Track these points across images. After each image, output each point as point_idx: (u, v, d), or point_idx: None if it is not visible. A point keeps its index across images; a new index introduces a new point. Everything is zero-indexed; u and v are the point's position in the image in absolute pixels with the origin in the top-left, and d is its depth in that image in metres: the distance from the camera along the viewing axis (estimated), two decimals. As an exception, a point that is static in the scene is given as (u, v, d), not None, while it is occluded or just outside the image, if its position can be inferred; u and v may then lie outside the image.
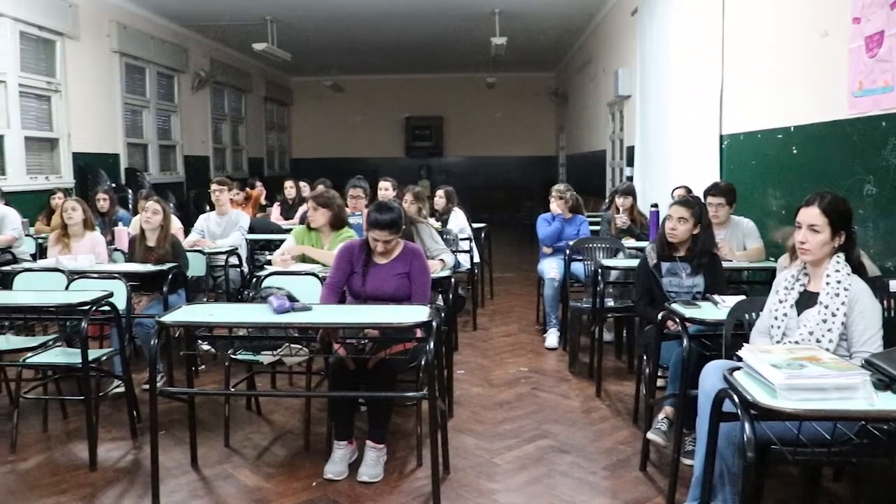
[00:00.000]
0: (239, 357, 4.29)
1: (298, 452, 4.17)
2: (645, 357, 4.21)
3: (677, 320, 3.62)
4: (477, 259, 7.66)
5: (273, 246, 6.48)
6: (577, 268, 6.24)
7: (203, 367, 5.65)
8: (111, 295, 4.23)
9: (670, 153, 7.79)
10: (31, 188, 8.83)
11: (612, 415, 4.72)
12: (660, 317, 3.80)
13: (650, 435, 3.81)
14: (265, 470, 3.96)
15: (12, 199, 7.59)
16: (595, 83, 12.90)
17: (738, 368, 2.56)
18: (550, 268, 6.41)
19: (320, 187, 8.05)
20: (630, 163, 9.55)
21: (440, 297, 4.87)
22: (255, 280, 4.68)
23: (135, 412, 4.48)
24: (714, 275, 4.24)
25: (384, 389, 3.80)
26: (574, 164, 16.24)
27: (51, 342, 4.73)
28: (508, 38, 11.96)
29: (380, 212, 4.04)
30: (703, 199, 4.91)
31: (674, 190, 6.42)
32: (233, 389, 4.47)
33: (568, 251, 6.16)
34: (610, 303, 5.51)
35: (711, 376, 2.90)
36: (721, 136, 6.46)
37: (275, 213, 9.02)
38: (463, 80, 18.79)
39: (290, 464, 4.03)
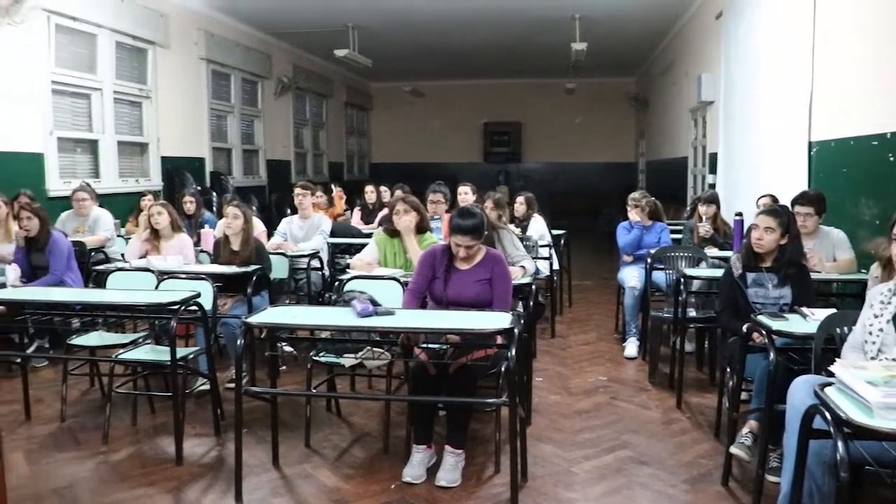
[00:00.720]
0: (320, 359, 4.36)
1: (377, 455, 4.21)
2: (728, 369, 4.12)
3: (764, 333, 3.53)
4: (556, 266, 7.62)
5: (353, 250, 6.56)
6: (659, 276, 6.16)
7: (284, 367, 5.75)
8: (199, 295, 4.36)
9: (756, 160, 7.61)
10: (122, 190, 9.16)
11: (692, 427, 4.63)
12: (745, 328, 3.71)
13: (733, 449, 3.73)
14: (344, 471, 4.01)
15: (105, 201, 7.86)
16: (677, 88, 12.71)
17: (830, 384, 2.48)
18: (631, 276, 6.33)
19: (398, 192, 8.13)
20: (713, 170, 9.38)
21: (520, 303, 4.86)
22: (337, 283, 4.74)
23: (219, 410, 4.60)
24: (802, 286, 4.12)
25: (464, 395, 3.80)
26: (654, 170, 16.02)
27: (140, 339, 4.89)
28: (589, 43, 11.88)
29: (462, 217, 4.04)
30: (790, 209, 4.79)
31: (759, 198, 6.26)
32: (314, 391, 4.54)
33: (649, 259, 6.08)
34: (692, 313, 5.42)
35: (801, 391, 2.82)
36: (810, 143, 6.27)
37: (355, 218, 9.12)
38: (542, 85, 18.72)
39: (368, 466, 4.08)
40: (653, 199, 6.77)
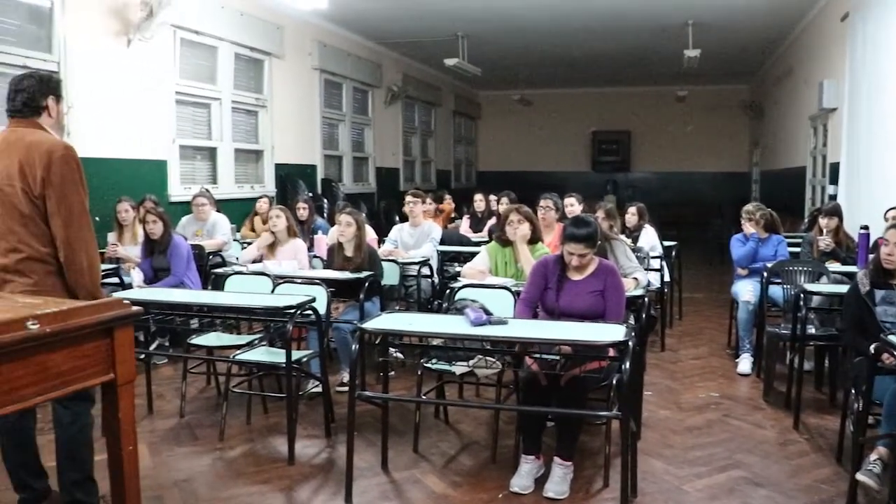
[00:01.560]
0: (431, 366, 4.40)
1: (485, 463, 4.21)
2: (854, 391, 3.95)
3: (895, 353, 3.37)
4: (667, 278, 7.48)
5: (462, 258, 6.59)
6: (775, 291, 5.95)
7: (392, 373, 5.82)
8: (314, 300, 4.45)
9: (884, 171, 7.25)
10: (238, 196, 9.46)
11: (811, 450, 4.44)
12: (873, 349, 3.55)
13: (860, 476, 3.54)
14: (452, 478, 4.02)
15: (222, 206, 8.14)
16: (795, 95, 12.29)
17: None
18: (745, 290, 6.15)
19: (505, 199, 8.14)
20: (834, 180, 9.01)
21: (632, 315, 4.79)
22: (448, 291, 4.78)
23: (330, 412, 4.69)
24: (937, 305, 3.92)
25: (575, 406, 3.77)
26: (769, 180, 15.53)
27: (256, 341, 5.03)
28: (702, 49, 11.62)
29: (576, 226, 4.04)
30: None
31: (888, 211, 6.02)
32: (424, 397, 4.58)
33: (765, 273, 5.89)
34: (811, 330, 5.21)
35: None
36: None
37: (464, 226, 9.17)
38: (652, 93, 18.44)
39: (476, 474, 4.08)
40: (768, 210, 6.56)
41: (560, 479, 3.78)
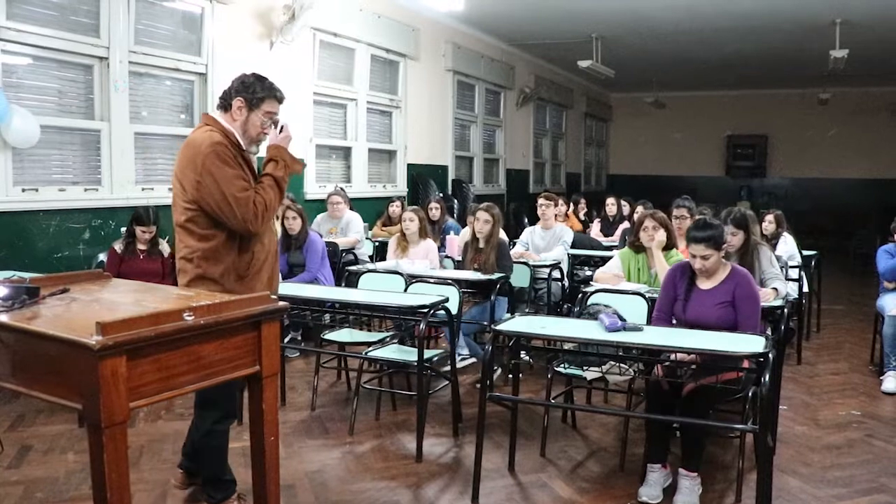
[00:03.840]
0: (562, 370, 4.38)
1: (613, 470, 4.17)
2: None
3: None
4: (805, 289, 7.19)
5: (593, 262, 6.52)
6: (926, 306, 5.65)
7: (520, 375, 5.82)
8: (447, 300, 4.51)
9: None
10: (370, 195, 9.66)
11: (964, 475, 4.20)
12: None
13: None
14: (579, 484, 4.00)
15: (356, 204, 8.33)
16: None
17: None
18: (893, 304, 5.84)
19: (640, 207, 7.99)
20: None
21: (769, 327, 4.63)
22: (580, 295, 4.74)
23: (458, 412, 4.73)
24: None
25: (698, 416, 3.68)
26: (920, 188, 14.67)
27: (388, 339, 5.13)
28: (850, 49, 11.08)
29: (698, 228, 4.01)
30: None
31: None
32: (553, 401, 4.56)
33: (916, 287, 5.58)
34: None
35: None
36: None
37: (595, 230, 9.09)
38: (792, 96, 17.70)
39: (604, 481, 4.05)
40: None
41: (688, 490, 3.70)
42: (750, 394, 3.76)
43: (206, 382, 2.27)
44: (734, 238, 4.79)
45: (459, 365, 5.48)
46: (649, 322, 4.25)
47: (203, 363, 2.21)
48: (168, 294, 2.65)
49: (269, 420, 2.44)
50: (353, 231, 7.49)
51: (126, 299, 2.65)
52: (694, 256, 3.99)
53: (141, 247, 5.67)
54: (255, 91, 3.34)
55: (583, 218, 10.43)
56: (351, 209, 7.83)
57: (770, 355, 3.26)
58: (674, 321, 4.10)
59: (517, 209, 12.90)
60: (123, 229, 5.84)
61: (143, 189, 6.54)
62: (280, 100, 3.46)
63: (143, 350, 2.06)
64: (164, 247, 5.77)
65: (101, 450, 1.97)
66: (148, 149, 6.70)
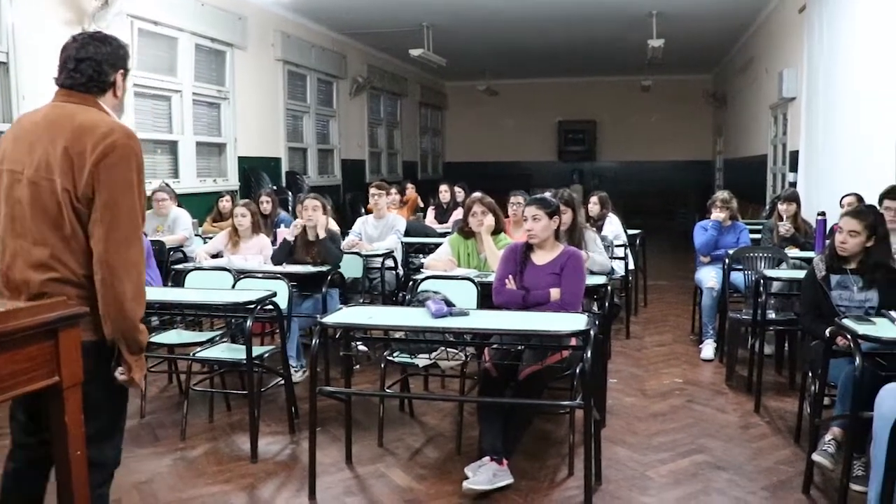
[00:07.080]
0: (394, 359, 4.38)
1: (450, 456, 4.20)
2: (810, 374, 4.00)
3: (848, 337, 3.41)
4: (631, 266, 7.51)
5: (427, 249, 6.56)
6: (737, 277, 6.01)
7: (357, 367, 5.79)
8: (275, 295, 4.41)
9: (840, 158, 7.34)
10: (200, 190, 9.33)
11: (771, 432, 4.51)
12: (828, 332, 3.59)
13: (816, 456, 3.60)
14: (417, 471, 4.01)
15: (183, 200, 8.03)
16: (756, 85, 12.38)
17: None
18: (709, 277, 6.20)
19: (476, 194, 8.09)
20: (794, 168, 9.10)
21: (595, 304, 4.80)
22: (411, 283, 4.75)
23: (293, 408, 4.65)
24: (890, 290, 3.95)
25: (532, 398, 3.76)
26: (732, 168, 15.65)
27: (217, 338, 4.97)
28: (666, 39, 11.67)
29: (535, 197, 4.31)
30: (878, 206, 4.62)
31: (843, 198, 6.07)
32: (387, 391, 4.55)
33: (727, 260, 5.93)
34: (771, 315, 5.27)
35: (889, 399, 2.72)
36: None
37: (429, 217, 9.14)
38: (617, 83, 18.49)
39: (441, 466, 4.08)
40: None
41: (485, 470, 3.63)
42: (577, 370, 3.87)
43: (-3, 399, 2.08)
44: (565, 216, 4.92)
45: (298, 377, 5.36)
46: (482, 306, 4.31)
47: (-13, 379, 2.01)
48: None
49: (74, 434, 2.25)
50: (180, 228, 7.21)
51: None
52: (526, 219, 4.19)
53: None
54: (127, 60, 2.64)
55: (421, 205, 10.51)
56: (179, 205, 7.54)
57: (592, 332, 3.37)
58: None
59: (354, 199, 12.85)
60: None
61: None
62: None
63: None
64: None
65: None
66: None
